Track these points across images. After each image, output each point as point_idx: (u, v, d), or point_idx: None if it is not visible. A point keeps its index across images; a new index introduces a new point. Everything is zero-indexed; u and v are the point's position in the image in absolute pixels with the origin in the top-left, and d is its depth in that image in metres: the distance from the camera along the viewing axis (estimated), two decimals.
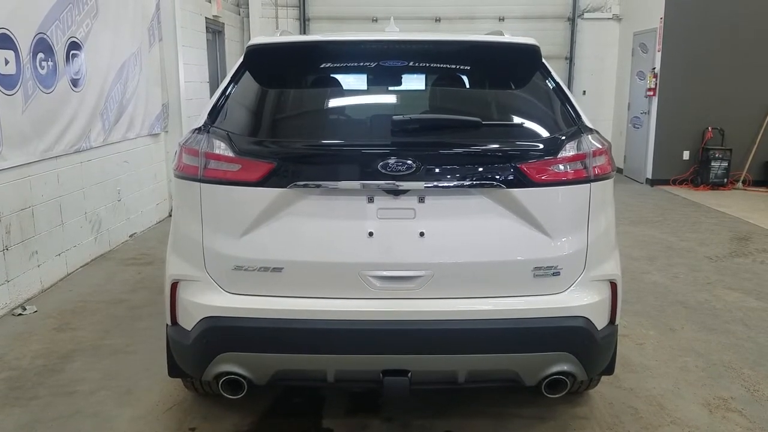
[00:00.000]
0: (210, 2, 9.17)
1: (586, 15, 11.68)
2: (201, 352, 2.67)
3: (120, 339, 4.22)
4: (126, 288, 5.23)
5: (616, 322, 2.82)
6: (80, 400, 3.44)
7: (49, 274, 5.19)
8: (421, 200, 2.61)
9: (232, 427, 3.19)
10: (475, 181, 2.59)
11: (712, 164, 10.04)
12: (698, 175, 10.22)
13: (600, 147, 2.70)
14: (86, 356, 3.96)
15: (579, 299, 2.67)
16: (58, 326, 4.42)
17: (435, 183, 2.56)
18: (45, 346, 4.09)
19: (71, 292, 5.13)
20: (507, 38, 3.05)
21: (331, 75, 3.13)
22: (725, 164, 10.02)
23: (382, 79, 3.11)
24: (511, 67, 3.03)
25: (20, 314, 4.60)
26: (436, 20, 11.56)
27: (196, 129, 2.77)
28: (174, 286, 2.74)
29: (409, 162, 2.52)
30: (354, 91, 3.21)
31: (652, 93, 10.26)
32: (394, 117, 2.75)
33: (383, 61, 2.93)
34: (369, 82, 3.19)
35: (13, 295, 4.71)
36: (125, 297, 5.01)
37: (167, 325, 2.82)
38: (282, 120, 3.03)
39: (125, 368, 3.80)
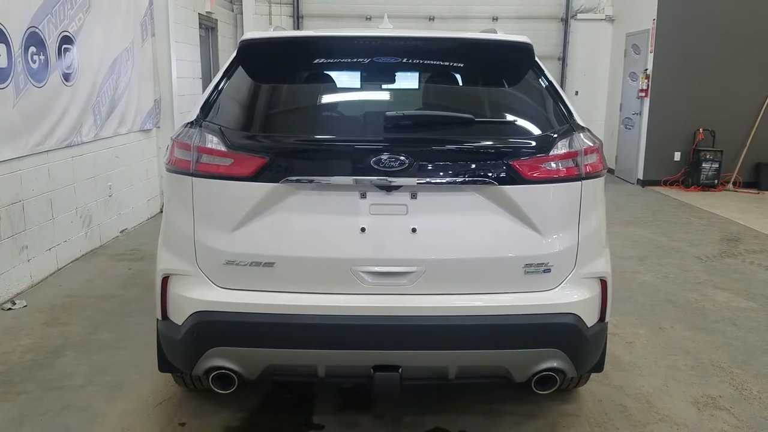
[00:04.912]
0: None
1: (579, 16, 11.72)
2: (191, 346, 2.67)
3: (110, 334, 4.20)
4: (116, 283, 5.21)
5: (606, 320, 2.84)
6: (69, 395, 3.42)
7: (39, 268, 5.16)
8: (414, 196, 2.61)
9: (222, 422, 3.19)
10: (467, 177, 2.59)
11: (703, 165, 10.10)
12: (689, 176, 10.28)
13: (591, 145, 2.72)
14: (76, 351, 3.94)
15: (569, 296, 2.69)
16: (47, 321, 4.40)
17: (427, 179, 2.57)
18: (34, 341, 4.07)
19: (61, 287, 5.10)
20: (500, 36, 3.05)
21: (324, 71, 3.13)
22: (716, 165, 10.08)
23: (375, 75, 3.10)
24: (504, 65, 3.04)
25: (10, 309, 4.58)
26: (429, 19, 11.57)
27: (188, 123, 2.76)
28: (165, 280, 2.73)
29: (402, 158, 2.53)
30: (347, 87, 3.21)
31: (644, 94, 10.31)
32: (387, 113, 2.75)
33: (376, 57, 2.93)
34: (362, 78, 3.18)
35: (3, 289, 4.68)
36: (115, 292, 4.99)
37: (158, 319, 2.81)
38: (275, 115, 3.02)
39: (115, 363, 3.78)
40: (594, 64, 11.91)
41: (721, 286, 5.41)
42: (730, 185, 10.25)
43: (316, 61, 3.04)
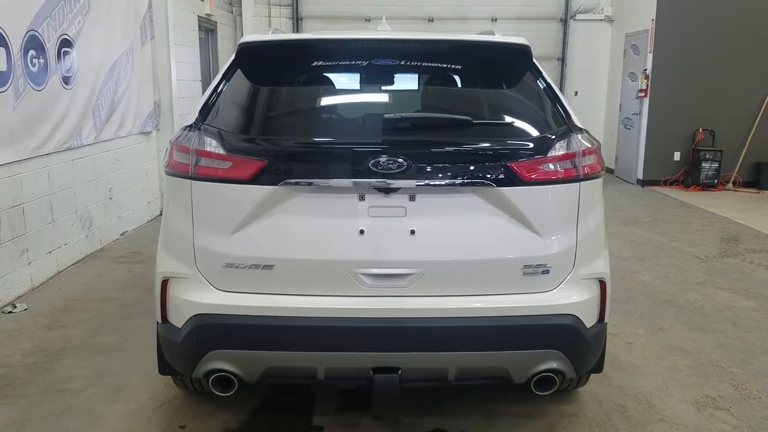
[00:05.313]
0: (203, 0, 9.15)
1: (578, 16, 11.72)
2: (191, 349, 2.67)
3: (110, 337, 4.21)
4: (116, 286, 5.21)
5: (605, 321, 2.84)
6: (70, 398, 3.43)
7: (39, 272, 5.17)
8: (412, 198, 2.61)
9: (222, 424, 3.19)
10: (465, 179, 2.60)
11: (703, 165, 10.10)
12: (689, 176, 10.28)
13: (589, 146, 2.72)
14: (76, 354, 3.95)
15: (568, 297, 2.69)
16: (48, 324, 4.41)
17: (426, 181, 2.58)
18: (35, 344, 4.08)
19: (62, 290, 5.11)
20: (498, 38, 3.05)
21: (323, 73, 3.13)
22: (716, 165, 10.08)
23: (373, 77, 3.11)
24: (501, 67, 3.04)
25: (10, 312, 4.58)
26: (428, 20, 11.57)
27: (187, 126, 2.76)
28: (164, 283, 2.74)
29: (400, 160, 2.53)
30: (345, 90, 3.21)
31: (643, 94, 10.31)
32: (386, 115, 2.76)
33: (375, 59, 2.94)
34: (360, 81, 3.19)
35: (3, 293, 4.69)
36: (116, 295, 5.00)
37: (157, 322, 2.82)
38: (273, 118, 3.03)
39: (115, 366, 3.79)
40: (593, 64, 11.91)
41: (721, 286, 5.41)
42: (730, 185, 10.25)
43: (314, 64, 3.05)
